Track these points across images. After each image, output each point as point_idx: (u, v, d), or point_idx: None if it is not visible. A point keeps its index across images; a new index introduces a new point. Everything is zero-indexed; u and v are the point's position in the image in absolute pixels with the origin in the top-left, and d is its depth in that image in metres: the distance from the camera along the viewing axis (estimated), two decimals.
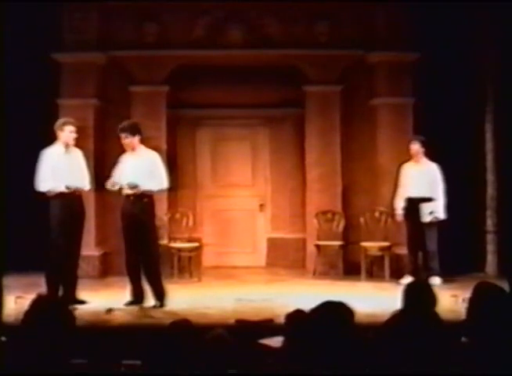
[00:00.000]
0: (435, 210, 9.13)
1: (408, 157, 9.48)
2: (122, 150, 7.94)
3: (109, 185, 7.69)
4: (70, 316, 3.37)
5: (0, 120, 9.38)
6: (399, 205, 9.39)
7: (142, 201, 7.67)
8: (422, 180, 9.20)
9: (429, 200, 9.15)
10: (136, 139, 7.75)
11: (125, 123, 7.93)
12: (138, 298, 7.67)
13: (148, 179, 7.65)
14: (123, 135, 7.74)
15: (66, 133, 7.69)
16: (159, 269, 7.84)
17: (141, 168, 7.68)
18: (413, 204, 9.21)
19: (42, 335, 3.19)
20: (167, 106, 10.30)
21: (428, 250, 9.16)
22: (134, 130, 7.78)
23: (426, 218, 9.14)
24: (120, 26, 10.15)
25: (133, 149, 7.76)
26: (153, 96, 10.17)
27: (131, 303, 7.64)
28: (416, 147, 9.31)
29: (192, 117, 10.93)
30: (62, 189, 7.54)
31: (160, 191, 8.09)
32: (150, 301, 7.64)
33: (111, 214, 9.58)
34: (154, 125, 9.89)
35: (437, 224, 9.18)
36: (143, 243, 7.66)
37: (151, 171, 7.72)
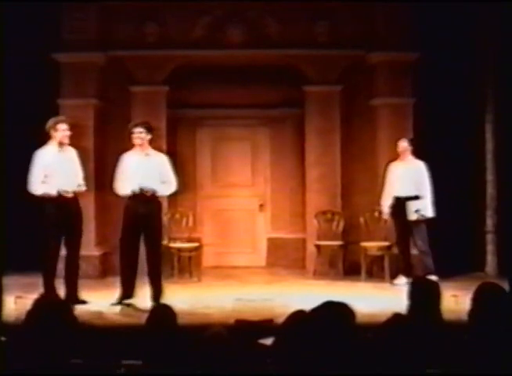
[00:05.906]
0: (421, 208, 9.08)
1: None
2: (122, 150, 7.93)
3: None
4: (72, 316, 3.37)
5: (0, 120, 9.37)
6: (386, 204, 9.38)
7: (153, 202, 7.66)
8: (408, 178, 9.15)
9: (415, 198, 9.13)
10: (148, 137, 7.74)
11: (142, 120, 7.97)
12: (127, 296, 7.62)
13: (159, 183, 7.64)
14: (140, 130, 7.68)
15: (60, 132, 7.64)
16: (161, 269, 7.84)
17: (152, 171, 7.64)
18: (400, 203, 9.20)
19: (44, 335, 3.19)
20: (167, 106, 10.29)
21: (419, 249, 9.12)
22: (150, 128, 7.77)
23: (412, 216, 9.11)
24: (120, 26, 10.14)
25: (142, 146, 7.69)
26: (153, 96, 10.17)
27: (122, 302, 7.60)
28: (404, 145, 9.28)
29: (192, 117, 10.93)
30: (53, 193, 7.51)
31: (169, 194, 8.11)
32: (147, 301, 7.60)
33: (111, 214, 9.59)
34: (154, 125, 9.87)
35: (425, 222, 9.11)
36: (150, 243, 7.65)
37: (160, 173, 7.69)
